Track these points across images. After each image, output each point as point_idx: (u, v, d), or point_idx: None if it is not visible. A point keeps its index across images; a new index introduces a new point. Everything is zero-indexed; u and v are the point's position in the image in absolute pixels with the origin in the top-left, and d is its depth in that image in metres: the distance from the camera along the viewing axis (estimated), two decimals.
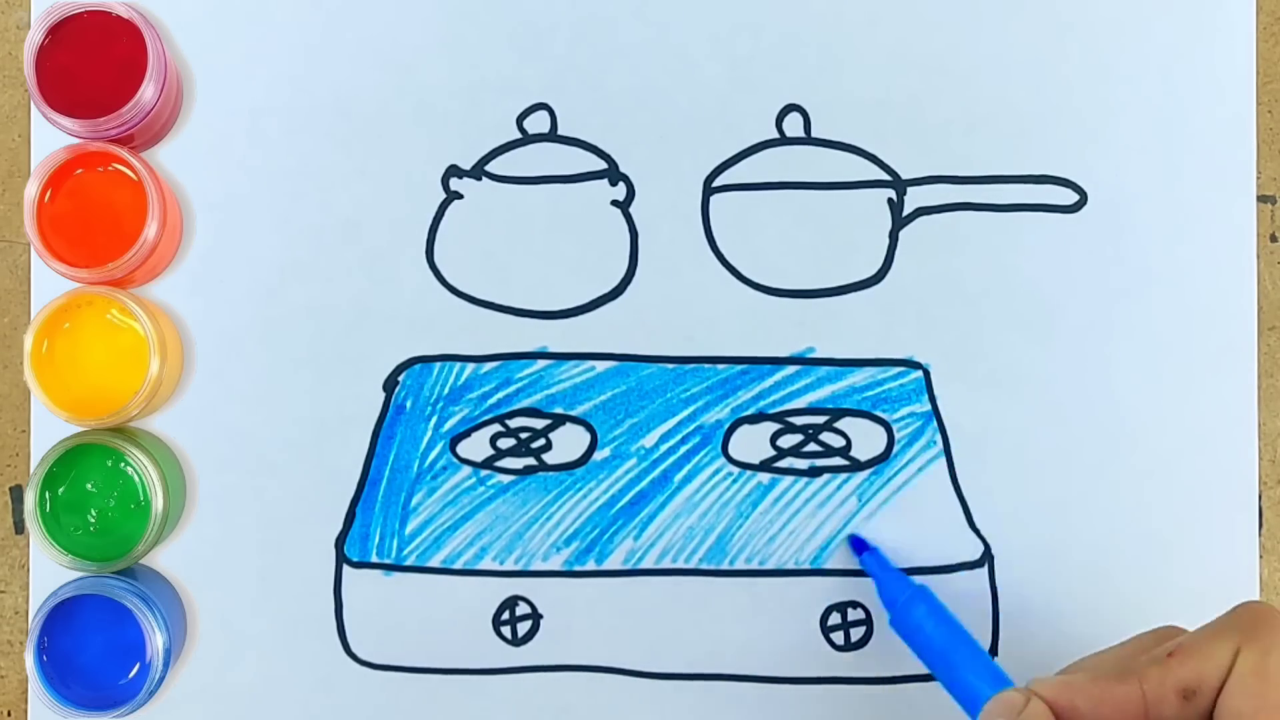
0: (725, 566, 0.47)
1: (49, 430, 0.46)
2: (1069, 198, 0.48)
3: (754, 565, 0.47)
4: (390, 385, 0.47)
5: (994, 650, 0.47)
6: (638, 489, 0.47)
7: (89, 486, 0.44)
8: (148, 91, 0.44)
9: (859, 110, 0.48)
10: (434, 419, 0.47)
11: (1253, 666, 0.36)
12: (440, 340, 0.47)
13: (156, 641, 0.44)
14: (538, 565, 0.47)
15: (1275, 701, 0.35)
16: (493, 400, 0.47)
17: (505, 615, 0.47)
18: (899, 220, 0.48)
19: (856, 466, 0.47)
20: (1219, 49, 0.48)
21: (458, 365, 0.47)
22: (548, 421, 0.47)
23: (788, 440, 0.47)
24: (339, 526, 0.47)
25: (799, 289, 0.48)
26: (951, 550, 0.47)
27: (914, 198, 0.48)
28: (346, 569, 0.47)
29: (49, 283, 0.46)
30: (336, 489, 0.47)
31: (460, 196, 0.48)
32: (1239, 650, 0.36)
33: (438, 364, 0.47)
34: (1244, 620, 0.37)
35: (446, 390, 0.47)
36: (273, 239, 0.47)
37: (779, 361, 0.48)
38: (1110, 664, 0.39)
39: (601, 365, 0.47)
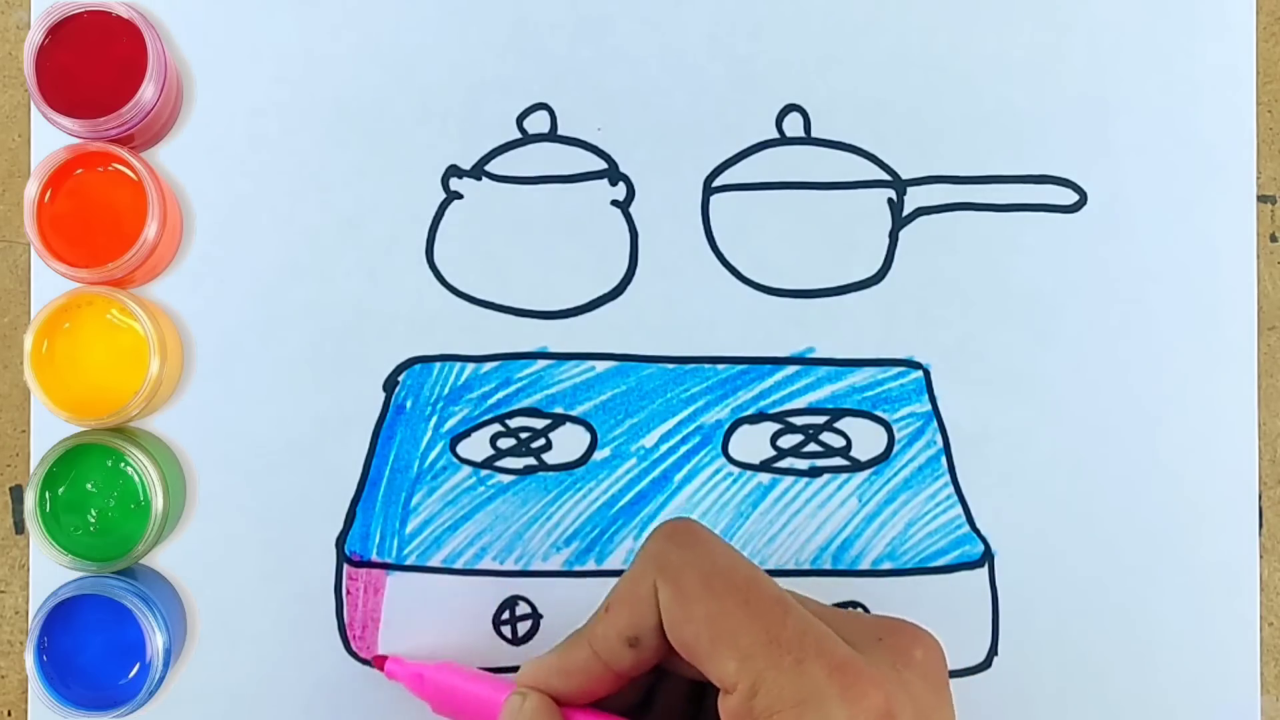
0: None
1: (49, 430, 0.46)
2: (1069, 198, 0.48)
3: None
4: (390, 385, 0.47)
5: (994, 650, 0.47)
6: (638, 489, 0.47)
7: (89, 486, 0.44)
8: (148, 91, 0.44)
9: (859, 110, 0.48)
10: (434, 419, 0.47)
11: (673, 596, 0.35)
12: (440, 340, 0.47)
13: (156, 641, 0.44)
14: (538, 565, 0.47)
15: (703, 615, 0.35)
16: (493, 400, 0.47)
17: (505, 615, 0.47)
18: (899, 220, 0.48)
19: (857, 466, 0.47)
20: (1219, 49, 0.48)
21: (458, 365, 0.47)
22: (548, 421, 0.47)
23: (788, 440, 0.47)
24: (339, 526, 0.47)
25: (799, 289, 0.48)
26: (951, 550, 0.47)
27: (914, 198, 0.48)
28: (347, 568, 0.47)
29: (49, 283, 0.46)
30: (336, 489, 0.47)
31: (460, 196, 0.48)
32: (655, 584, 0.36)
33: (438, 364, 0.47)
34: (654, 551, 0.37)
35: (446, 390, 0.47)
36: (273, 239, 0.47)
37: (779, 361, 0.48)
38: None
39: (601, 365, 0.47)
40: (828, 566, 0.47)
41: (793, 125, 0.48)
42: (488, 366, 0.47)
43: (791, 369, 0.48)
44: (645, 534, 0.37)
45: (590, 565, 0.47)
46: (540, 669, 0.38)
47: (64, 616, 0.44)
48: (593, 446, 0.47)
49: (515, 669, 0.47)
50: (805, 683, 0.33)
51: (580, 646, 0.37)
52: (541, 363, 0.47)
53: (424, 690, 0.44)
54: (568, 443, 0.47)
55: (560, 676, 0.38)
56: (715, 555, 0.36)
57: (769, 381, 0.48)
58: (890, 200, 0.48)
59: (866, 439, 0.48)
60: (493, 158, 0.48)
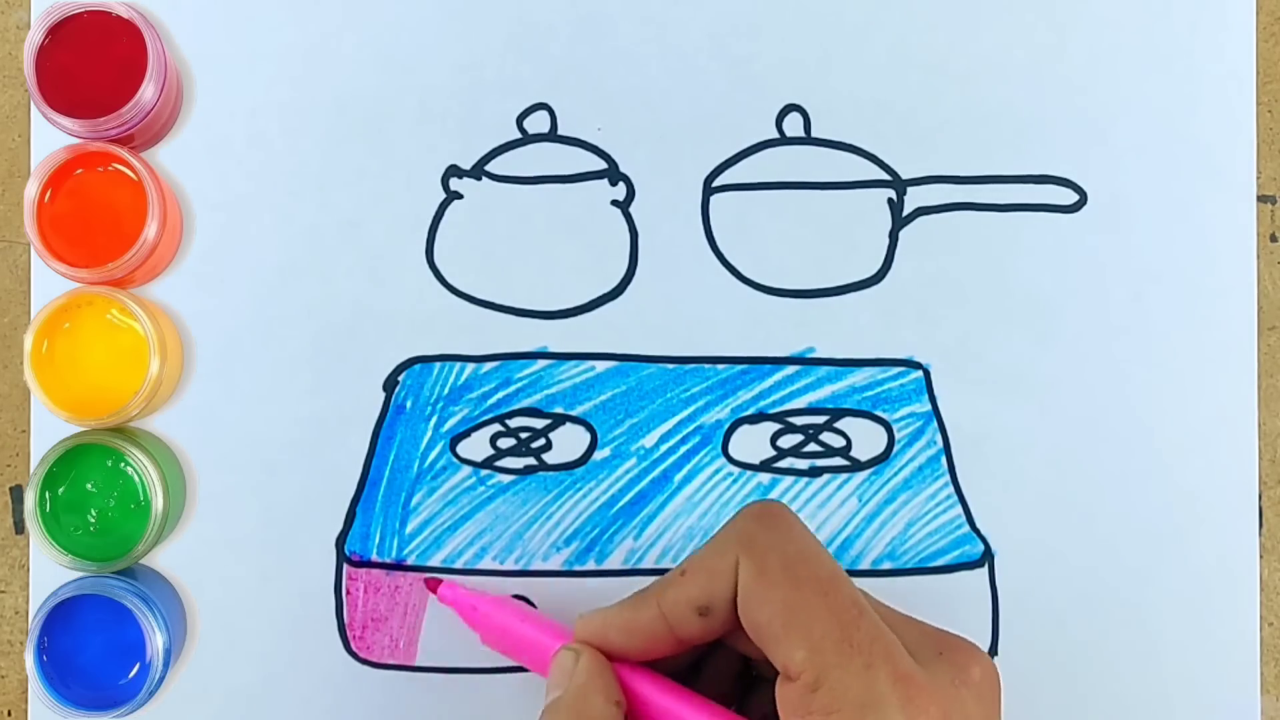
0: None
1: (49, 430, 0.46)
2: (1069, 198, 0.48)
3: None
4: (390, 385, 0.47)
5: (994, 650, 0.47)
6: (638, 489, 0.47)
7: (89, 486, 0.44)
8: (148, 91, 0.44)
9: (859, 110, 0.48)
10: (434, 419, 0.47)
11: (754, 574, 0.36)
12: (440, 340, 0.47)
13: (156, 641, 0.44)
14: (538, 565, 0.47)
15: (781, 600, 0.35)
16: (493, 400, 0.47)
17: None
18: (899, 220, 0.48)
19: (856, 466, 0.47)
20: (1219, 49, 0.48)
21: (458, 365, 0.47)
22: (548, 421, 0.47)
23: (788, 440, 0.47)
24: (339, 526, 0.47)
25: (799, 289, 0.48)
26: (951, 550, 0.47)
27: (914, 198, 0.48)
28: (347, 568, 0.47)
29: (49, 283, 0.46)
30: (336, 489, 0.47)
31: (460, 196, 0.48)
32: (738, 561, 0.36)
33: (438, 364, 0.47)
34: (741, 528, 0.37)
35: (446, 390, 0.47)
36: (273, 239, 0.47)
37: (779, 361, 0.48)
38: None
39: (601, 365, 0.47)
40: None
41: (793, 125, 0.48)
42: (488, 366, 0.47)
43: (791, 369, 0.48)
44: (735, 513, 0.38)
45: (590, 565, 0.47)
46: (601, 622, 0.38)
47: (64, 616, 0.44)
48: (593, 446, 0.47)
49: (516, 669, 0.47)
50: (870, 687, 0.34)
51: (648, 606, 0.37)
52: (541, 363, 0.47)
53: (475, 620, 0.43)
54: (568, 443, 0.47)
55: (622, 633, 0.38)
56: (801, 544, 0.36)
57: (769, 381, 0.48)
58: (890, 200, 0.48)
59: (866, 439, 0.48)
60: (493, 158, 0.48)
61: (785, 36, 0.48)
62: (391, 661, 0.47)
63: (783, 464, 0.47)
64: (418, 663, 0.47)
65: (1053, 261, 0.48)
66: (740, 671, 0.40)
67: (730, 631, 0.37)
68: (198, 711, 0.46)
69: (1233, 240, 0.48)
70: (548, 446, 0.47)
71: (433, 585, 0.45)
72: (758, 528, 0.37)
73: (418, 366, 0.47)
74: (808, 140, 0.48)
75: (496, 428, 0.47)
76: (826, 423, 0.47)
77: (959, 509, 0.47)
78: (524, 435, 0.47)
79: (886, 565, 0.47)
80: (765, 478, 0.47)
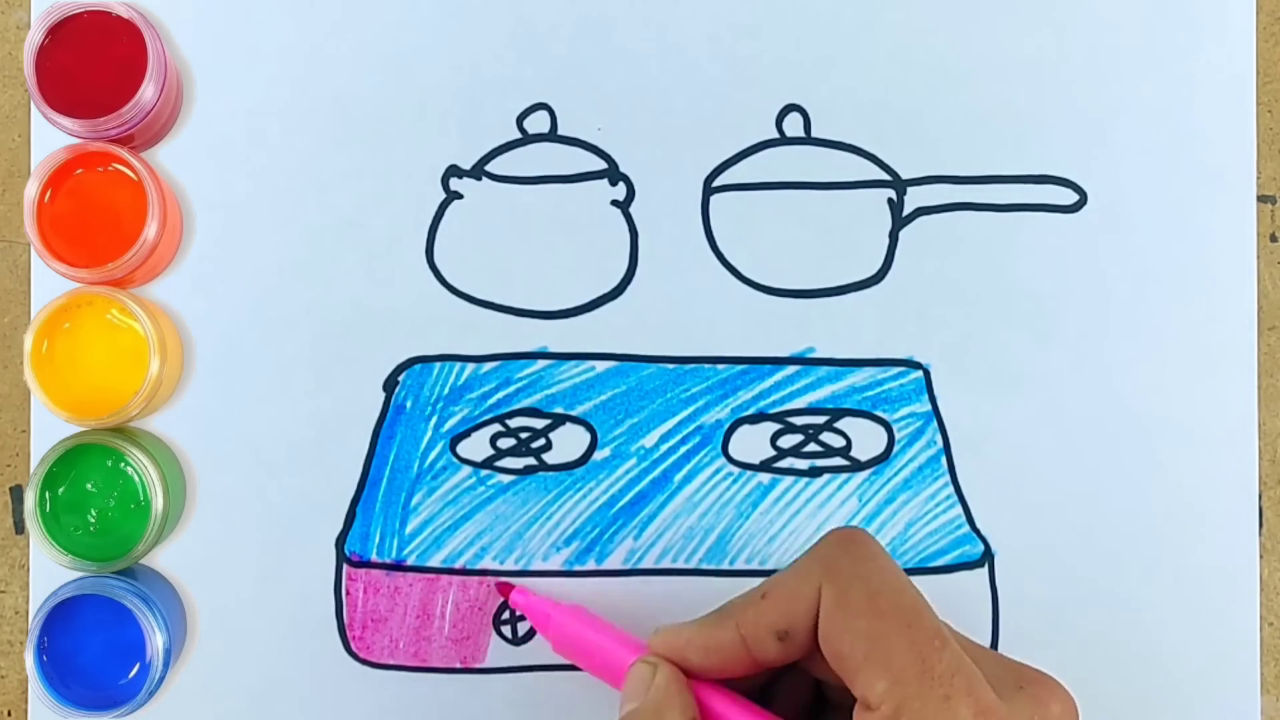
0: (725, 566, 0.47)
1: (49, 430, 0.46)
2: (1069, 198, 0.48)
3: (754, 565, 0.47)
4: (390, 385, 0.47)
5: (993, 649, 0.47)
6: (638, 489, 0.47)
7: (89, 486, 0.44)
8: (148, 91, 0.44)
9: (859, 110, 0.48)
10: (434, 419, 0.47)
11: (836, 603, 0.36)
12: (440, 340, 0.47)
13: (156, 641, 0.44)
14: (538, 565, 0.47)
15: (863, 630, 0.35)
16: (493, 400, 0.47)
17: (505, 615, 0.47)
18: (899, 220, 0.48)
19: (857, 466, 0.47)
20: (1219, 49, 0.48)
21: (458, 365, 0.47)
22: (548, 421, 0.47)
23: (788, 440, 0.47)
24: (339, 526, 0.47)
25: (799, 289, 0.48)
26: (951, 550, 0.47)
27: (914, 198, 0.48)
28: (347, 568, 0.47)
29: (49, 283, 0.46)
30: (337, 489, 0.47)
31: (460, 196, 0.48)
32: (821, 588, 0.36)
33: (438, 364, 0.47)
34: (825, 555, 0.37)
35: (446, 390, 0.47)
36: (273, 239, 0.47)
37: (779, 361, 0.48)
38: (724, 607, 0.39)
39: (601, 365, 0.47)
40: None
41: (793, 125, 0.48)
42: (488, 366, 0.47)
43: (791, 369, 0.48)
44: (820, 538, 0.38)
45: (590, 565, 0.47)
46: (679, 640, 0.38)
47: (64, 616, 0.44)
48: (593, 446, 0.47)
49: (515, 669, 0.47)
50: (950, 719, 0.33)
51: (727, 627, 0.37)
52: (541, 363, 0.47)
53: (548, 629, 0.43)
54: (568, 443, 0.47)
55: (699, 652, 0.38)
56: (885, 573, 0.36)
57: (769, 381, 0.48)
58: (890, 200, 0.48)
59: (866, 439, 0.48)
60: (493, 158, 0.48)
61: (785, 36, 0.48)
62: (391, 662, 0.47)
63: (783, 464, 0.47)
64: (417, 663, 0.47)
65: (1053, 261, 0.48)
66: (812, 690, 0.40)
67: (807, 655, 0.37)
68: (198, 711, 0.46)
69: (1233, 240, 0.48)
70: (548, 446, 0.47)
71: (505, 590, 0.45)
72: (841, 554, 0.36)
73: (418, 366, 0.47)
74: (808, 140, 0.48)
75: (496, 428, 0.47)
76: (826, 423, 0.47)
77: (959, 509, 0.47)
78: (524, 435, 0.47)
79: None
80: (765, 478, 0.47)
